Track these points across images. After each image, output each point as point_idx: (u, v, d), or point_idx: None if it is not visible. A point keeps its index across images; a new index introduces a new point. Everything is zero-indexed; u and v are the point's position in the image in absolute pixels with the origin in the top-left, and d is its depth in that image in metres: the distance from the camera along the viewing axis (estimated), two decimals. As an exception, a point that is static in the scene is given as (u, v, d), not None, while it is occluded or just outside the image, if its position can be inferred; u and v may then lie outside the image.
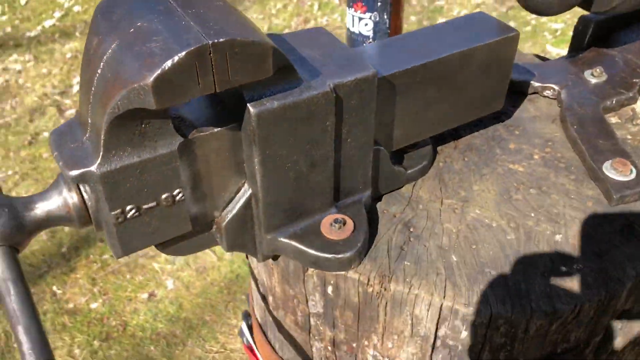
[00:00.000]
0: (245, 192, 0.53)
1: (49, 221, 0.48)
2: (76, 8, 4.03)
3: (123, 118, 0.42)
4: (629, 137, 0.70)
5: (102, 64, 0.43)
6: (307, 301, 0.61)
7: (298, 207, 0.55)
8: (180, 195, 0.49)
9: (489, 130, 0.72)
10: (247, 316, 0.88)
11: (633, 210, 0.60)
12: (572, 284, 0.54)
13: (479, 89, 0.63)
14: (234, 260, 2.06)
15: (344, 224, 0.56)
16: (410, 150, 0.66)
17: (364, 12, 0.79)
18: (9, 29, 3.84)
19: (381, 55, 0.58)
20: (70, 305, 1.97)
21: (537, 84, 0.77)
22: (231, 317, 1.90)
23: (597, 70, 0.76)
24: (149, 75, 0.40)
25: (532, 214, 0.61)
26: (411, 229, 0.60)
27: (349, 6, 0.81)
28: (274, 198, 0.53)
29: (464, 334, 0.54)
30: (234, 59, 0.42)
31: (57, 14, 3.97)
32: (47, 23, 3.87)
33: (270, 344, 0.76)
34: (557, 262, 0.56)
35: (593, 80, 0.76)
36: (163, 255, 2.12)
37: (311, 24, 3.53)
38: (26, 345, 0.41)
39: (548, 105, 0.77)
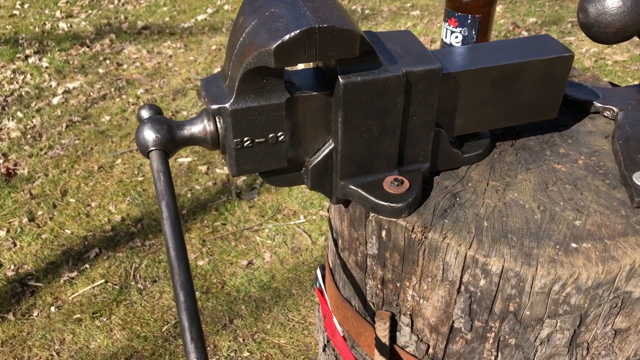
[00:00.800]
0: (329, 145, 0.71)
1: (192, 140, 0.68)
2: (226, 7, 4.46)
3: (252, 72, 0.62)
4: (671, 158, 0.80)
5: (244, 34, 0.63)
6: (366, 243, 0.78)
7: (368, 164, 0.72)
8: (282, 137, 0.68)
9: (545, 136, 0.85)
10: (322, 268, 1.06)
11: (651, 213, 0.71)
12: (577, 257, 0.66)
13: (534, 96, 0.77)
14: (326, 246, 2.25)
15: (402, 183, 0.72)
16: (471, 140, 0.80)
17: (456, 27, 0.94)
18: (167, 19, 4.33)
19: (453, 56, 0.74)
20: (181, 259, 2.25)
21: (598, 105, 0.88)
22: (315, 295, 2.08)
23: (657, 99, 0.86)
24: (273, 43, 0.58)
25: (561, 203, 0.73)
26: (457, 199, 0.74)
27: (445, 20, 0.96)
28: (349, 152, 0.70)
29: (482, 282, 0.68)
30: (332, 40, 0.60)
31: (210, 10, 4.42)
32: (200, 17, 4.32)
33: (336, 284, 0.93)
34: (569, 239, 0.68)
35: (652, 108, 0.86)
36: (265, 231, 2.36)
37: (436, 45, 3.66)
38: (165, 214, 0.61)
39: (606, 124, 0.87)
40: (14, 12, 4.45)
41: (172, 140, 0.66)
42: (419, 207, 0.73)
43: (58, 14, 4.41)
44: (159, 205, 0.63)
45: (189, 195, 2.56)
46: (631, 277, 0.66)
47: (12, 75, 3.60)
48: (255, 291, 2.11)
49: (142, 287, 2.14)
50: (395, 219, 0.72)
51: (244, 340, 1.95)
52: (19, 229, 2.42)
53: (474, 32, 0.93)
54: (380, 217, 0.73)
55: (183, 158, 2.79)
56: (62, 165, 2.81)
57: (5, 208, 2.54)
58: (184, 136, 0.67)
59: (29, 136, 3.03)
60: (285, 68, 0.65)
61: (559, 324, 0.69)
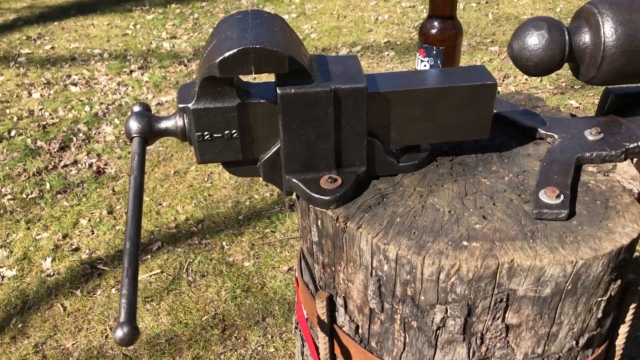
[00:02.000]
0: (277, 144, 0.87)
1: (166, 132, 0.86)
2: (313, 35, 4.72)
3: (207, 80, 0.79)
4: (592, 182, 0.88)
5: (207, 51, 0.81)
6: (310, 231, 0.93)
7: (308, 163, 0.87)
8: (235, 134, 0.85)
9: (485, 155, 0.96)
10: (305, 260, 1.20)
11: (546, 224, 0.80)
12: (463, 252, 0.77)
13: (462, 117, 0.88)
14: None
15: (335, 181, 0.87)
16: (410, 151, 0.93)
17: (424, 57, 1.07)
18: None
19: (390, 79, 0.88)
20: (230, 259, 2.47)
21: (542, 132, 0.98)
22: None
23: (594, 130, 0.94)
24: (217, 58, 0.76)
25: (471, 209, 0.84)
26: (384, 199, 0.87)
27: (417, 50, 1.09)
28: (291, 151, 0.86)
29: (385, 267, 0.81)
30: (264, 58, 0.76)
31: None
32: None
33: (302, 272, 1.07)
34: (463, 238, 0.79)
35: (590, 137, 0.94)
36: (309, 242, 2.52)
37: (510, 80, 3.70)
38: (132, 184, 0.80)
39: (547, 150, 0.97)
40: (127, 31, 4.98)
41: (150, 131, 0.85)
42: (348, 202, 0.87)
43: (164, 34, 4.88)
44: (129, 178, 0.81)
45: (247, 203, 2.79)
46: (513, 275, 0.76)
47: (116, 87, 4.05)
48: (291, 295, 2.27)
49: (191, 280, 2.37)
50: (325, 210, 0.86)
51: (272, 337, 2.11)
52: (98, 219, 2.75)
53: (439, 62, 1.06)
54: (315, 207, 0.87)
55: (248, 169, 3.03)
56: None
57: (90, 200, 2.89)
58: (160, 128, 0.86)
59: (121, 140, 3.40)
60: (245, 80, 0.83)
61: (449, 310, 0.80)
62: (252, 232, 2.60)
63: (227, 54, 0.76)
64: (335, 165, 0.88)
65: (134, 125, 0.84)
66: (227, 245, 2.55)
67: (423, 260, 0.77)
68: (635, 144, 0.91)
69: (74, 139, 3.43)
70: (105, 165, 3.18)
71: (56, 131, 3.52)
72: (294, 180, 0.88)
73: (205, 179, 3.00)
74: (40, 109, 3.78)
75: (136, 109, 0.88)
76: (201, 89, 0.81)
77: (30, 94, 3.99)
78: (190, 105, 0.82)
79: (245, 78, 3.58)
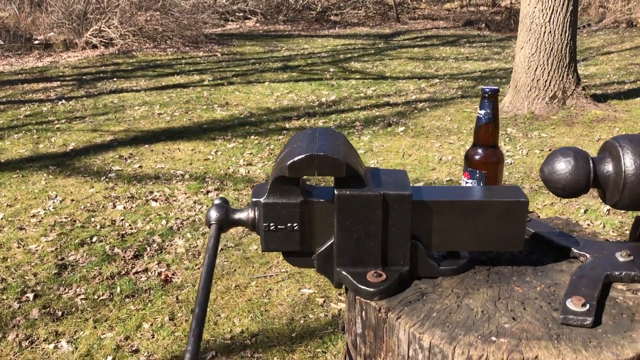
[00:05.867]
0: (331, 239, 1.00)
1: (239, 222, 1.01)
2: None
3: (277, 180, 0.95)
4: (620, 297, 0.95)
5: (280, 157, 0.98)
6: (355, 322, 1.02)
7: (358, 258, 0.99)
8: (296, 227, 0.99)
9: (521, 267, 1.05)
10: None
11: (572, 329, 0.87)
12: (490, 346, 0.84)
13: (497, 229, 0.99)
14: None
15: (380, 276, 0.98)
16: (451, 257, 1.03)
17: (468, 179, 1.20)
18: (326, 175, 4.92)
19: (432, 190, 1.01)
20: (280, 375, 2.50)
21: (576, 251, 1.06)
22: None
23: (625, 252, 1.02)
24: (289, 161, 0.92)
25: (503, 311, 0.92)
26: (423, 296, 0.97)
27: (463, 172, 1.23)
28: (343, 246, 0.98)
29: (420, 356, 0.89)
30: (326, 163, 0.92)
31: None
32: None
33: (345, 367, 1.15)
34: (492, 334, 0.87)
35: (620, 259, 1.02)
36: (360, 365, 2.53)
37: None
38: (206, 261, 0.94)
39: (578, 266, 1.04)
40: (209, 156, 5.42)
41: (226, 220, 1.01)
42: (391, 297, 0.97)
43: (241, 161, 5.27)
44: (205, 256, 0.96)
45: (301, 321, 2.86)
46: (542, 373, 0.83)
47: (192, 205, 4.36)
48: (336, 416, 2.26)
49: (240, 391, 2.41)
50: (369, 301, 0.96)
51: None
52: (160, 325, 2.88)
53: (481, 184, 1.18)
54: (361, 299, 0.98)
55: (306, 289, 3.13)
56: (208, 279, 3.29)
57: (154, 306, 3.04)
58: (234, 218, 1.02)
59: (190, 253, 3.61)
60: (308, 183, 0.99)
61: (478, 402, 0.85)
62: (304, 351, 2.64)
63: (296, 159, 0.92)
64: (382, 262, 1.00)
65: (214, 214, 1.00)
66: (278, 360, 2.59)
67: (454, 350, 0.85)
68: (664, 268, 0.98)
69: (148, 248, 3.67)
70: (173, 274, 3.37)
71: (133, 240, 3.79)
72: (343, 272, 1.00)
73: (264, 295, 3.11)
74: (122, 220, 4.10)
75: (217, 201, 1.04)
76: (272, 187, 0.97)
77: (114, 206, 4.35)
78: (262, 199, 0.98)
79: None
